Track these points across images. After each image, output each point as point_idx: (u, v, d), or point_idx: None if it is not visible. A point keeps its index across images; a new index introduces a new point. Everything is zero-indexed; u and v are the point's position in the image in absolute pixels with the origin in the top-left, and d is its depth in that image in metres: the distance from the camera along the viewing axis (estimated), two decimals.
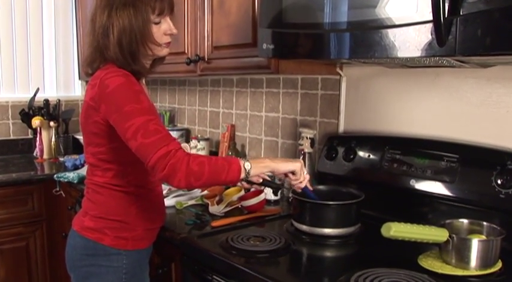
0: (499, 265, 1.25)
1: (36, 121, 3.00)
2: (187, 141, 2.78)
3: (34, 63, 3.26)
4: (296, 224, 1.56)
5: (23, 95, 3.16)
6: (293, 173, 1.40)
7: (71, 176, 2.41)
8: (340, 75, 1.93)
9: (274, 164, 1.38)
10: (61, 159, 2.94)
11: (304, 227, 1.53)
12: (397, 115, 1.76)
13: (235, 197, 1.85)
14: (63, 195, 2.53)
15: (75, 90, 3.47)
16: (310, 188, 1.48)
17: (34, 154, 3.09)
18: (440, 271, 1.22)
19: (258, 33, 1.60)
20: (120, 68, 1.36)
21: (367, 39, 1.25)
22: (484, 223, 1.32)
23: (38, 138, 3.02)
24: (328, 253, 1.47)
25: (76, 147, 3.10)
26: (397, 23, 1.18)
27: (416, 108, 1.70)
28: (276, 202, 1.97)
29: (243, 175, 1.31)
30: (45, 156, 3.01)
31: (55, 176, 2.50)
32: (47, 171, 2.73)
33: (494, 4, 1.00)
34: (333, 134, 1.95)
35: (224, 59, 1.99)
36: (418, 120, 1.69)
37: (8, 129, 3.16)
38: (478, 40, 1.03)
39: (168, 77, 2.96)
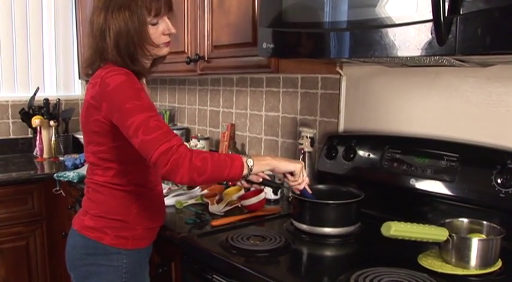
0: (499, 264, 1.25)
1: (36, 120, 3.00)
2: (187, 140, 2.78)
3: (34, 63, 3.26)
4: (296, 223, 1.56)
5: (23, 94, 3.16)
6: (292, 174, 1.40)
7: (71, 175, 2.42)
8: (340, 75, 1.93)
9: (275, 162, 1.38)
10: (61, 158, 2.94)
11: (304, 226, 1.53)
12: (397, 114, 1.76)
13: (235, 196, 1.85)
14: (63, 194, 2.53)
15: (75, 89, 3.47)
16: (309, 191, 1.48)
17: (34, 153, 3.09)
18: (440, 270, 1.22)
19: (258, 32, 1.60)
20: (121, 67, 1.36)
21: (367, 39, 1.25)
22: (484, 222, 1.32)
23: (38, 138, 3.02)
24: (328, 252, 1.47)
25: (76, 147, 3.10)
26: (397, 22, 1.18)
27: (416, 107, 1.70)
28: (276, 201, 1.97)
29: (245, 171, 1.31)
30: (45, 155, 3.01)
31: (55, 175, 2.50)
32: (47, 170, 2.73)
33: (494, 3, 1.00)
34: (333, 133, 1.95)
35: (224, 58, 1.99)
36: (418, 119, 1.69)
37: (8, 128, 3.16)
38: (478, 39, 1.03)
39: (168, 76, 2.96)
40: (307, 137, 1.93)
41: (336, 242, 1.49)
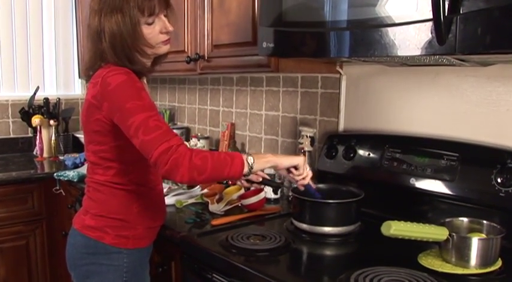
0: (499, 264, 1.25)
1: (36, 120, 3.00)
2: (187, 139, 2.78)
3: (34, 62, 3.26)
4: (296, 223, 1.56)
5: (23, 94, 3.16)
6: (296, 168, 1.40)
7: (71, 174, 2.42)
8: (340, 74, 1.93)
9: (276, 158, 1.38)
10: (61, 157, 2.94)
11: (304, 226, 1.53)
12: (397, 114, 1.76)
13: (235, 196, 1.85)
14: (63, 193, 2.53)
15: (75, 88, 3.47)
16: (313, 185, 1.48)
17: (34, 153, 3.09)
18: (440, 270, 1.22)
19: (258, 31, 1.60)
20: (121, 67, 1.36)
21: (367, 38, 1.25)
22: (484, 222, 1.32)
23: (38, 137, 3.02)
24: (328, 251, 1.47)
25: (76, 146, 3.10)
26: (397, 21, 1.18)
27: (416, 106, 1.70)
28: (275, 201, 1.97)
29: (246, 169, 1.31)
30: (45, 154, 3.01)
31: (55, 174, 2.50)
32: (47, 169, 2.73)
33: (494, 2, 1.00)
34: (333, 133, 1.95)
35: (224, 57, 1.99)
36: (418, 118, 1.69)
37: (8, 127, 3.16)
38: (478, 38, 1.03)
39: (168, 76, 2.96)
40: (307, 136, 1.93)
41: (336, 241, 1.49)
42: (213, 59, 2.05)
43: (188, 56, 2.14)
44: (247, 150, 2.46)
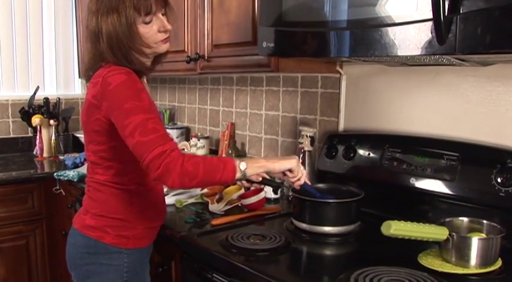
0: (499, 263, 1.25)
1: (36, 119, 3.00)
2: (187, 139, 2.78)
3: (34, 62, 3.26)
4: (296, 222, 1.56)
5: (23, 93, 3.16)
6: (290, 170, 1.40)
7: (71, 174, 2.42)
8: (340, 74, 1.93)
9: (269, 163, 1.37)
10: (61, 157, 2.94)
11: (304, 225, 1.53)
12: (397, 113, 1.76)
13: (235, 195, 1.85)
14: (63, 193, 2.53)
15: (75, 88, 3.47)
16: (309, 183, 1.48)
17: (34, 152, 3.09)
18: (440, 269, 1.22)
19: (258, 31, 1.60)
20: (122, 66, 1.36)
21: (367, 38, 1.25)
22: (484, 221, 1.32)
23: (38, 137, 3.02)
24: (328, 251, 1.48)
25: (76, 146, 3.11)
26: (397, 21, 1.18)
27: (416, 106, 1.70)
28: (276, 200, 1.97)
29: (238, 175, 1.31)
30: (45, 154, 3.01)
31: (55, 174, 2.50)
32: (47, 169, 2.73)
33: (494, 2, 1.00)
34: (333, 132, 1.95)
35: (224, 57, 1.99)
36: (418, 118, 1.69)
37: (8, 127, 3.16)
38: (478, 38, 1.03)
39: (168, 76, 2.96)
40: (307, 136, 1.93)
41: (335, 241, 1.49)
42: (213, 58, 2.05)
43: (188, 56, 2.14)
44: (247, 150, 2.46)
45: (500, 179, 1.37)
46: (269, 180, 1.52)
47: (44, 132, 3.01)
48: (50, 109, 3.09)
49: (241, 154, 2.41)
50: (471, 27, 1.03)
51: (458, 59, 1.34)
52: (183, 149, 2.56)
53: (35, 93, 3.06)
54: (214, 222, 1.65)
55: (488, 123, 1.51)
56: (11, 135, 3.17)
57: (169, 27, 1.41)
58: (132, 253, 1.46)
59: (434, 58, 1.34)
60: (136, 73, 1.37)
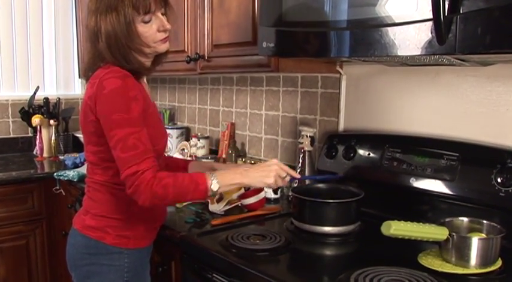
0: (499, 263, 1.25)
1: (36, 119, 3.00)
2: (187, 139, 2.78)
3: (34, 62, 3.26)
4: (296, 222, 1.56)
5: (23, 93, 3.16)
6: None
7: (71, 174, 2.42)
8: (340, 74, 1.93)
9: (247, 179, 1.37)
10: (61, 157, 2.94)
11: (304, 225, 1.53)
12: (397, 113, 1.76)
13: (235, 195, 1.85)
14: (63, 193, 2.53)
15: (75, 88, 3.47)
16: (297, 176, 1.47)
17: (34, 152, 3.09)
18: (440, 269, 1.22)
19: (258, 31, 1.60)
20: (120, 68, 1.35)
21: (367, 38, 1.25)
22: (484, 221, 1.32)
23: (38, 137, 3.02)
24: (328, 251, 1.48)
25: (76, 146, 3.11)
26: (397, 21, 1.18)
27: (416, 106, 1.70)
28: (275, 200, 1.97)
29: (209, 193, 1.33)
30: (45, 154, 3.01)
31: (55, 174, 2.50)
32: (47, 169, 2.73)
33: (494, 2, 1.00)
34: (333, 132, 1.95)
35: (224, 57, 1.99)
36: (418, 118, 1.69)
37: (8, 127, 3.16)
38: (478, 38, 1.03)
39: (168, 75, 2.96)
40: (307, 136, 1.93)
41: (335, 241, 1.49)
42: (213, 58, 2.05)
43: (188, 56, 2.14)
44: (247, 150, 2.46)
45: (500, 179, 1.37)
46: None
47: (44, 132, 3.01)
48: (50, 109, 3.09)
49: (241, 154, 2.41)
50: (471, 27, 1.03)
51: (458, 59, 1.34)
52: (183, 149, 2.57)
53: (35, 93, 3.06)
54: (214, 222, 1.65)
55: (488, 123, 1.51)
56: (11, 135, 3.17)
57: (168, 26, 1.41)
58: (133, 253, 1.46)
59: (434, 58, 1.34)
60: (135, 74, 1.37)
